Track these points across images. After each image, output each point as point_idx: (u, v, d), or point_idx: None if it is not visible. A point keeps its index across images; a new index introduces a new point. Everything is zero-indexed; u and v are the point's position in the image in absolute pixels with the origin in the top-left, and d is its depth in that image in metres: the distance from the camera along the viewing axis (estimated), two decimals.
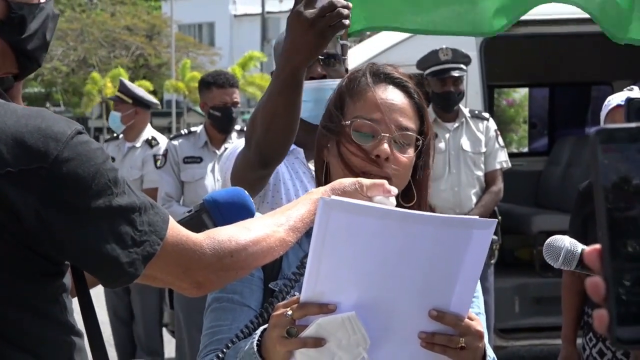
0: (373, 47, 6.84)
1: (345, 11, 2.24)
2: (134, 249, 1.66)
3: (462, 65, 5.92)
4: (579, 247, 2.56)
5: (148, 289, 6.35)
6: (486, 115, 6.17)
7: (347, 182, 1.82)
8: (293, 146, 2.69)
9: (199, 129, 6.01)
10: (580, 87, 9.31)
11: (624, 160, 0.90)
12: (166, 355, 6.87)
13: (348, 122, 1.94)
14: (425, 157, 1.99)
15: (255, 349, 1.68)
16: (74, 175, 1.63)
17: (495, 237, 5.54)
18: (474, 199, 5.96)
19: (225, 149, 5.75)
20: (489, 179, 6.01)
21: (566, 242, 2.57)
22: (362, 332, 1.62)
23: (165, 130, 24.89)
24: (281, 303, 1.69)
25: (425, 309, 1.65)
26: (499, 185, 6.01)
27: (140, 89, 7.03)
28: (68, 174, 1.63)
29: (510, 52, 7.54)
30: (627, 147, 0.90)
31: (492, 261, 5.83)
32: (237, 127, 6.07)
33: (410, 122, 1.95)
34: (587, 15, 3.55)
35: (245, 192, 1.93)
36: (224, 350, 1.79)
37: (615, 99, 3.65)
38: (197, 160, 5.90)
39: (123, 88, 6.81)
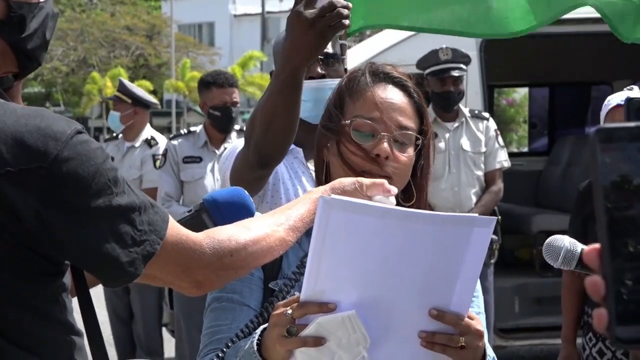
0: (373, 46, 6.84)
1: (345, 11, 2.24)
2: (134, 249, 1.66)
3: (462, 65, 5.92)
4: (579, 246, 2.56)
5: (147, 289, 6.35)
6: (486, 115, 6.16)
7: (347, 181, 1.82)
8: (292, 146, 2.68)
9: (198, 128, 6.00)
10: (580, 87, 9.31)
11: (624, 160, 0.90)
12: (166, 355, 6.86)
13: (348, 122, 1.94)
14: (425, 157, 1.99)
15: (255, 348, 1.68)
16: (73, 174, 1.63)
17: (495, 237, 5.54)
18: (474, 199, 5.95)
19: (225, 148, 5.74)
20: (488, 178, 6.01)
21: (566, 241, 2.57)
22: (362, 331, 1.62)
23: (165, 130, 24.87)
24: (281, 302, 1.68)
25: (426, 308, 1.65)
26: (499, 185, 6.01)
27: (140, 88, 7.03)
28: (68, 173, 1.62)
29: (510, 52, 7.52)
30: (626, 147, 0.90)
31: (492, 261, 5.83)
32: (237, 126, 6.06)
33: (409, 121, 1.95)
34: (587, 15, 3.54)
35: (245, 191, 1.93)
36: (224, 349, 1.79)
37: (615, 99, 3.65)
38: (197, 160, 5.90)
39: (122, 88, 6.81)
